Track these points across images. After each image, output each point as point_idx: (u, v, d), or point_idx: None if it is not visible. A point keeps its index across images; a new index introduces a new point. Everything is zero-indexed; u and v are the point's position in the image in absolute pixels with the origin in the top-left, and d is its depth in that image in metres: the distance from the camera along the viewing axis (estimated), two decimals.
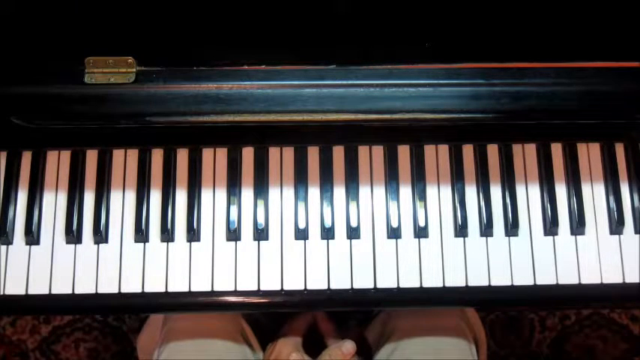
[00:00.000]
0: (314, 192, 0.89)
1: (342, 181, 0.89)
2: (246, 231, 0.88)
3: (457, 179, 0.89)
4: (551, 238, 0.88)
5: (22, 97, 0.82)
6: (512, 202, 0.88)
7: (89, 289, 0.86)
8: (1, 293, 0.86)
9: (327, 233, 0.87)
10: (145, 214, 0.88)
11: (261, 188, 0.88)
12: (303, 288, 0.86)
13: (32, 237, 0.87)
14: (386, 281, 0.86)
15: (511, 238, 0.88)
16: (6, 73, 0.82)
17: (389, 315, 1.05)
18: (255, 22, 0.83)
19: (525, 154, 0.90)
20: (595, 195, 0.89)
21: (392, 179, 0.89)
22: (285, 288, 0.86)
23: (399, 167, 0.89)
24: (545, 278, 0.87)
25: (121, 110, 0.83)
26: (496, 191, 0.89)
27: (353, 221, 0.87)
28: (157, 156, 0.89)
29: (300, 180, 0.89)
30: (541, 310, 1.60)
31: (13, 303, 0.86)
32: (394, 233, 0.87)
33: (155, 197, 0.88)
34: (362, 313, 1.23)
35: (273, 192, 0.89)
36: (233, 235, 0.87)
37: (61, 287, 0.86)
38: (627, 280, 0.87)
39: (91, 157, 0.89)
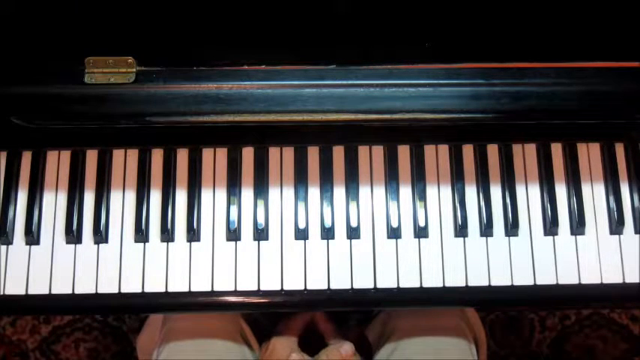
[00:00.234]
0: (314, 192, 0.89)
1: (342, 181, 0.89)
2: (246, 231, 0.88)
3: (457, 179, 0.89)
4: (551, 238, 0.88)
5: (22, 97, 0.82)
6: (512, 202, 0.88)
7: (89, 289, 0.86)
8: (1, 293, 0.86)
9: (327, 233, 0.87)
10: (145, 214, 0.88)
11: (261, 188, 0.88)
12: (303, 288, 0.86)
13: (32, 237, 0.87)
14: (386, 281, 0.86)
15: (511, 238, 0.88)
16: (6, 73, 0.82)
17: (389, 315, 1.05)
18: (255, 22, 0.83)
19: (525, 154, 0.90)
20: (595, 195, 0.90)
21: (392, 179, 0.89)
22: (285, 288, 0.86)
23: (399, 167, 0.89)
24: (545, 278, 0.87)
25: (121, 110, 0.83)
26: (496, 191, 0.89)
27: (353, 221, 0.87)
28: (157, 156, 0.89)
29: (300, 180, 0.89)
30: (541, 310, 1.60)
31: (13, 303, 0.86)
32: (394, 233, 0.87)
33: (155, 197, 0.88)
34: (362, 313, 1.23)
35: (273, 192, 0.89)
36: (233, 235, 0.87)
37: (61, 287, 0.86)
38: (627, 280, 0.87)
39: (91, 157, 0.89)
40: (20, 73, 0.82)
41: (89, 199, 0.88)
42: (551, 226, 0.88)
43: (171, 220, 0.87)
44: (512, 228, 0.88)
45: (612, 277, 0.87)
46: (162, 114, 0.83)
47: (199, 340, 0.97)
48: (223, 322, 0.99)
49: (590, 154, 0.90)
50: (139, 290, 0.86)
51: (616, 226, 0.88)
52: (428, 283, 0.86)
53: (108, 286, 0.86)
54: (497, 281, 0.86)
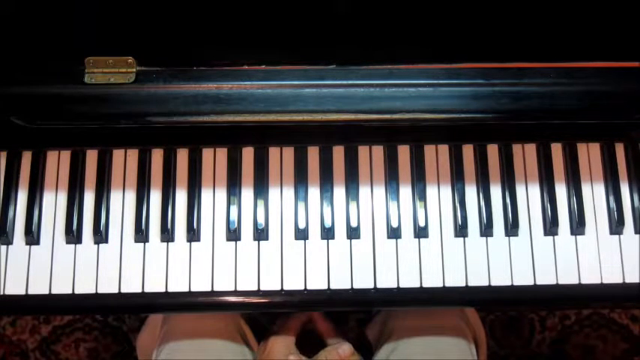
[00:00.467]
0: (314, 192, 0.89)
1: (342, 181, 0.89)
2: (246, 231, 0.88)
3: (457, 179, 0.89)
4: (551, 238, 0.88)
5: (22, 97, 0.82)
6: (512, 202, 0.88)
7: (89, 289, 0.86)
8: (1, 293, 0.86)
9: (327, 233, 0.87)
10: (145, 214, 0.88)
11: (261, 188, 0.88)
12: (303, 288, 0.86)
13: (32, 237, 0.87)
14: (386, 281, 0.86)
15: (511, 238, 0.88)
16: (6, 73, 0.82)
17: (389, 315, 1.05)
18: (255, 22, 0.83)
19: (525, 154, 0.90)
20: (595, 195, 0.90)
21: (392, 179, 0.89)
22: (285, 288, 0.86)
23: (399, 167, 0.89)
24: (545, 278, 0.87)
25: (121, 110, 0.83)
26: (496, 191, 0.89)
27: (353, 221, 0.87)
28: (157, 156, 0.89)
29: (300, 180, 0.89)
30: (541, 310, 1.60)
31: (13, 303, 0.86)
32: (394, 233, 0.87)
33: (155, 197, 0.88)
34: (362, 312, 1.23)
35: (273, 192, 0.89)
36: (233, 235, 0.87)
37: (61, 287, 0.86)
38: (627, 280, 0.87)
39: (91, 157, 0.89)
40: (20, 73, 0.82)
41: (89, 199, 0.88)
42: (551, 226, 0.88)
43: (171, 220, 0.87)
44: (512, 228, 0.88)
45: (612, 277, 0.87)
46: (162, 114, 0.83)
47: (199, 340, 0.97)
48: (223, 322, 0.99)
49: (590, 154, 0.91)
50: (139, 290, 0.86)
51: (616, 226, 0.88)
52: (428, 283, 0.86)
53: (108, 286, 0.86)
54: (497, 281, 0.86)
